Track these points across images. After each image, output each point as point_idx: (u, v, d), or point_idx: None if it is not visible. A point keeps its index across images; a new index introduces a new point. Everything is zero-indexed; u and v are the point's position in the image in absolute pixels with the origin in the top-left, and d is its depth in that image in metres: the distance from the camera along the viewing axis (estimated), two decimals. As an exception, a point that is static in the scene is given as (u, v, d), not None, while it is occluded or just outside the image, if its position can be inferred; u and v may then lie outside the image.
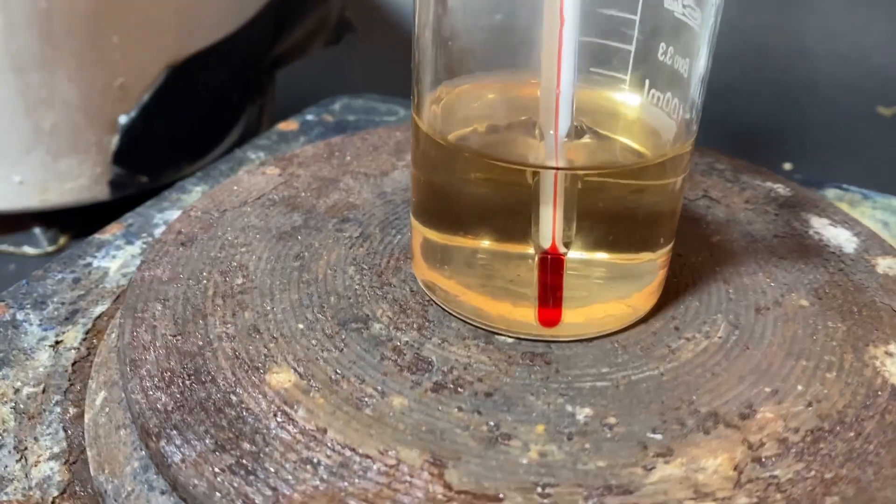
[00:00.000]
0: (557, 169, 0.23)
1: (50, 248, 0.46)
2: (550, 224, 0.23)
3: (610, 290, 0.25)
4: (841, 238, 0.30)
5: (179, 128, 0.47)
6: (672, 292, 0.26)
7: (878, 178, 0.57)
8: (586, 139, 0.25)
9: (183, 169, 0.49)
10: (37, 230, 0.46)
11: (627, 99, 0.26)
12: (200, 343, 0.24)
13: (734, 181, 0.33)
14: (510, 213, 0.24)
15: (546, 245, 0.23)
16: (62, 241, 0.47)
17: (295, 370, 0.23)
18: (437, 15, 0.24)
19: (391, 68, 0.57)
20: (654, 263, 0.25)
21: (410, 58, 0.25)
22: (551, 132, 0.24)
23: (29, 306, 0.29)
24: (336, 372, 0.23)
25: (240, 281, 0.26)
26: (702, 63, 0.24)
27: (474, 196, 0.24)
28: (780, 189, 0.33)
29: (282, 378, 0.23)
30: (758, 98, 0.64)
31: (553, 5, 0.22)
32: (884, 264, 0.28)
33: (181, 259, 0.27)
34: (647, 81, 0.25)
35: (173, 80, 0.44)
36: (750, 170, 0.34)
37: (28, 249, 0.46)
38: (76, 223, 0.47)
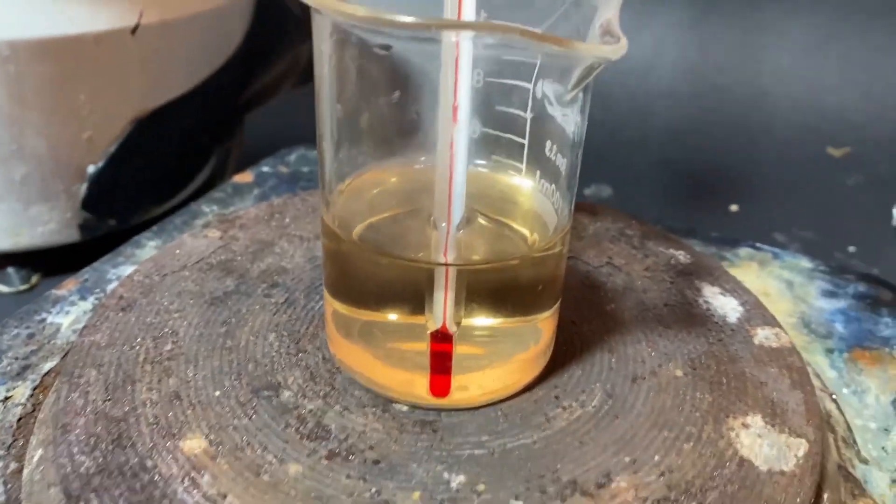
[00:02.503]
0: (447, 265, 0.25)
1: (23, 287, 0.49)
2: (442, 307, 0.26)
3: (497, 358, 0.28)
4: (727, 307, 0.32)
5: (147, 174, 0.50)
6: (559, 361, 0.29)
7: (821, 218, 0.59)
8: (480, 224, 0.28)
9: (151, 210, 0.51)
10: (10, 270, 0.49)
11: (522, 184, 0.29)
12: (126, 409, 0.27)
13: (640, 248, 0.36)
14: (407, 295, 0.27)
15: (438, 325, 0.26)
16: (34, 279, 0.49)
17: (206, 437, 0.26)
18: (336, 119, 0.27)
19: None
20: (538, 328, 0.28)
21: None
22: (444, 224, 0.26)
23: (-15, 361, 0.32)
24: (243, 439, 0.26)
25: (169, 347, 0.29)
26: (574, 163, 0.27)
27: (374, 280, 0.27)
28: (681, 256, 0.35)
29: (194, 444, 0.25)
30: (711, 139, 0.67)
31: (447, 109, 0.25)
32: (761, 335, 0.31)
33: (119, 324, 0.30)
34: (537, 172, 0.28)
35: (140, 131, 0.47)
36: (658, 236, 0.37)
37: (2, 288, 0.49)
38: (48, 262, 0.50)
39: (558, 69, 0.25)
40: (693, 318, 0.31)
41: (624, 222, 0.38)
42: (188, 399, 0.27)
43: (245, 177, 0.45)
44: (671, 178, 0.62)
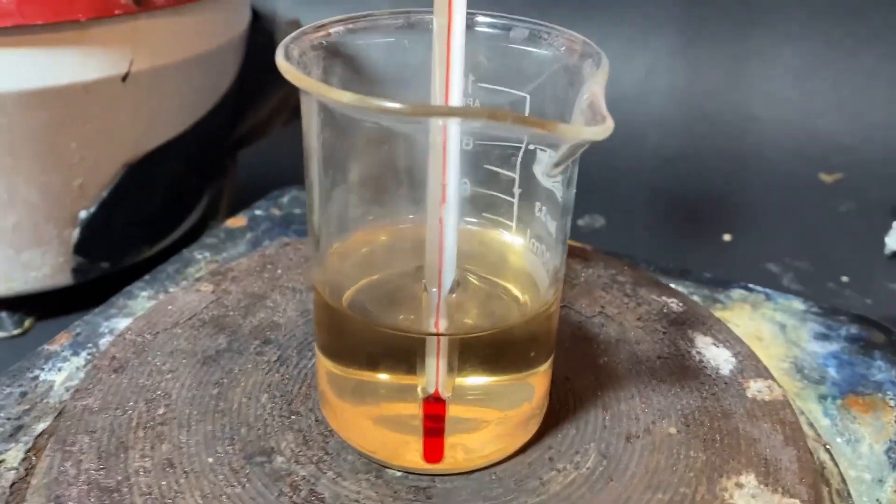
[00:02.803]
0: (438, 335, 0.25)
1: (16, 332, 0.49)
2: (434, 374, 0.26)
3: (491, 416, 0.27)
4: (720, 359, 0.32)
5: (139, 216, 0.50)
6: (553, 419, 0.29)
7: (814, 247, 0.59)
8: (472, 286, 0.28)
9: (143, 252, 0.51)
10: (3, 314, 0.49)
11: (513, 242, 0.29)
12: (119, 478, 0.26)
13: (632, 296, 0.36)
14: (399, 360, 0.27)
15: (431, 391, 0.26)
16: (28, 323, 0.49)
17: (200, 507, 0.25)
18: (324, 188, 0.27)
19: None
20: (531, 386, 0.28)
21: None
22: (434, 290, 0.26)
23: (-23, 422, 0.32)
24: (236, 509, 0.25)
25: (161, 411, 0.29)
26: (564, 227, 0.27)
27: (366, 346, 0.27)
28: (674, 305, 0.35)
29: (187, 515, 0.25)
30: (703, 167, 0.67)
31: (436, 177, 0.25)
32: (754, 388, 0.31)
33: (112, 387, 0.30)
34: (528, 231, 0.28)
35: (131, 175, 0.47)
36: (650, 283, 0.37)
37: (-5, 333, 0.48)
38: (42, 306, 0.50)
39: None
40: (686, 370, 0.32)
41: (616, 268, 0.38)
42: (181, 466, 0.27)
43: (238, 221, 0.45)
44: (664, 207, 0.62)
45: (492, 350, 0.27)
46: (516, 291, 0.28)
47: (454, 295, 0.27)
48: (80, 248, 0.47)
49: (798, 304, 0.40)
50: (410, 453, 0.27)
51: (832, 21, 0.68)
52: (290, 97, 0.60)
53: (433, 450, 0.27)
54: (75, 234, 0.46)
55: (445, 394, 0.26)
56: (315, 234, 0.27)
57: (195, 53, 0.47)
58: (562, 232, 0.27)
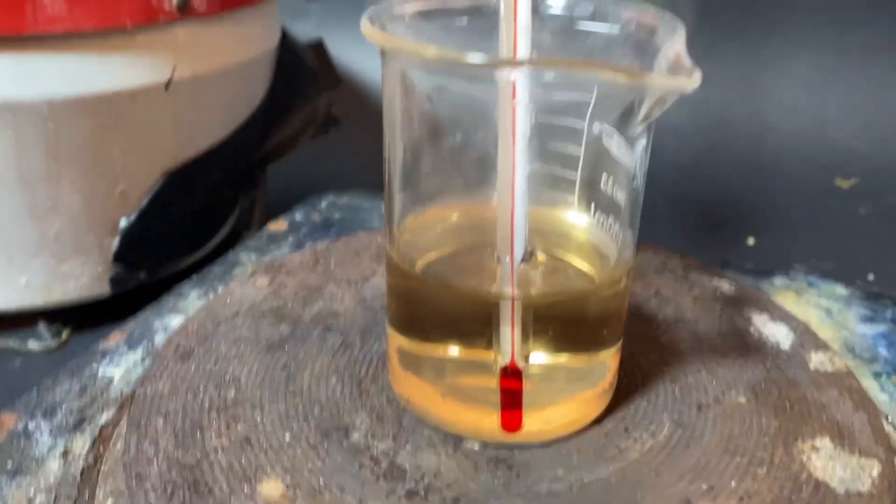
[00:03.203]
0: (513, 299, 0.26)
1: (53, 344, 0.48)
2: (509, 343, 0.26)
3: (566, 392, 0.28)
4: (779, 334, 0.33)
5: (176, 226, 0.50)
6: (623, 393, 0.29)
7: (837, 248, 0.60)
8: (540, 261, 0.28)
9: (179, 263, 0.52)
10: (41, 326, 0.49)
11: (577, 220, 0.29)
12: (199, 455, 0.26)
13: (684, 279, 0.36)
14: (474, 329, 0.27)
15: (506, 361, 0.26)
16: (65, 335, 0.49)
17: (283, 480, 0.25)
18: (403, 159, 0.27)
19: (373, 159, 0.61)
20: (604, 364, 0.28)
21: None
22: (507, 259, 0.27)
23: (40, 415, 0.32)
24: (320, 481, 0.25)
25: (232, 394, 0.29)
26: (635, 196, 0.27)
27: (441, 314, 0.27)
28: (725, 287, 0.36)
29: (271, 488, 0.25)
30: (721, 173, 0.68)
31: (506, 148, 0.26)
32: (816, 359, 0.31)
33: (180, 373, 0.30)
34: (592, 205, 0.29)
35: (170, 184, 0.47)
36: (699, 268, 0.37)
37: (33, 345, 0.48)
38: (79, 317, 0.50)
39: (616, 104, 0.26)
40: (747, 346, 0.32)
41: (664, 255, 0.38)
42: (259, 444, 0.27)
43: (279, 225, 0.46)
44: (686, 213, 0.63)
45: (565, 320, 0.27)
46: (585, 266, 0.29)
47: (526, 265, 0.27)
48: (120, 256, 0.47)
49: (841, 290, 0.40)
50: (488, 425, 0.27)
51: (841, 31, 0.70)
52: (317, 112, 0.61)
53: (512, 420, 0.27)
54: (115, 242, 0.47)
55: (521, 363, 0.26)
56: (391, 205, 0.28)
57: (233, 63, 0.48)
58: (633, 202, 0.27)
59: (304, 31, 0.66)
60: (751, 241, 0.60)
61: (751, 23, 0.70)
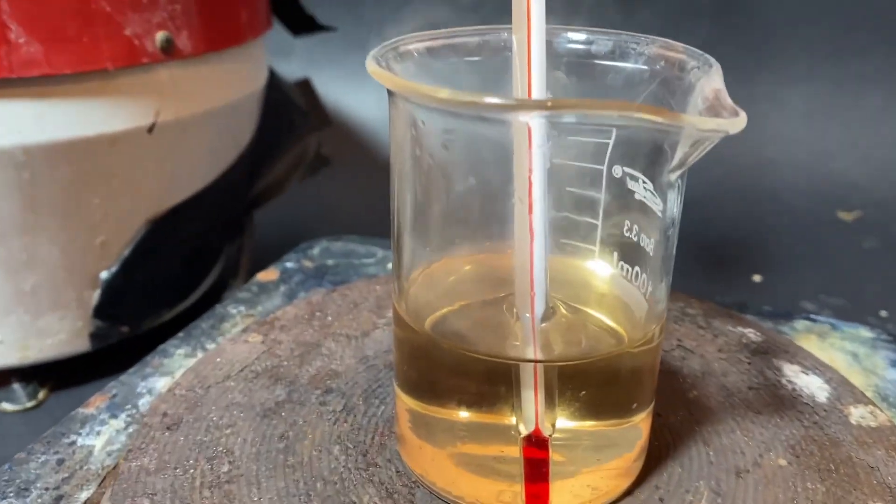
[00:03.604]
0: (536, 362, 0.23)
1: (29, 404, 0.45)
2: (532, 409, 0.24)
3: (596, 461, 0.25)
4: (813, 386, 0.31)
5: (159, 277, 0.47)
6: (654, 457, 0.27)
7: (845, 284, 0.58)
8: (562, 317, 0.26)
9: (162, 315, 0.49)
10: (15, 385, 0.46)
11: (598, 269, 0.27)
12: (189, 543, 0.24)
13: (706, 328, 0.34)
14: (492, 393, 0.25)
15: (530, 429, 0.24)
16: (42, 394, 0.46)
17: (285, 571, 0.23)
18: (415, 211, 0.25)
19: (366, 200, 0.59)
20: (636, 428, 0.26)
21: (388, 205, 0.26)
22: (527, 316, 0.24)
23: (12, 494, 0.29)
24: (326, 571, 0.23)
25: (226, 468, 0.27)
26: (665, 244, 0.25)
27: (455, 376, 0.25)
28: (752, 335, 0.34)
29: (272, 580, 0.23)
30: (723, 210, 0.66)
31: (522, 196, 0.24)
32: (856, 414, 0.29)
33: (167, 445, 0.28)
34: (615, 254, 0.26)
35: (153, 232, 0.45)
36: (720, 314, 0.35)
37: (6, 406, 0.45)
38: (57, 375, 0.47)
39: (643, 146, 0.24)
40: (781, 400, 0.30)
41: (683, 301, 0.36)
42: (257, 528, 0.24)
43: (270, 274, 0.43)
44: (688, 251, 0.61)
45: (594, 382, 0.25)
46: (611, 321, 0.26)
47: (546, 324, 0.25)
48: (100, 311, 0.45)
49: (866, 332, 0.38)
50: (511, 499, 0.25)
51: (837, 62, 0.69)
52: (306, 153, 0.59)
53: (538, 494, 0.24)
54: (95, 295, 0.44)
55: (546, 431, 0.24)
56: (400, 256, 0.25)
57: (219, 105, 0.46)
58: (664, 250, 0.25)
59: (291, 71, 0.65)
60: (757, 278, 0.59)
61: (746, 55, 0.69)
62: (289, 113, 0.56)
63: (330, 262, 0.45)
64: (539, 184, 0.23)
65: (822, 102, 0.70)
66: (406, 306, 0.25)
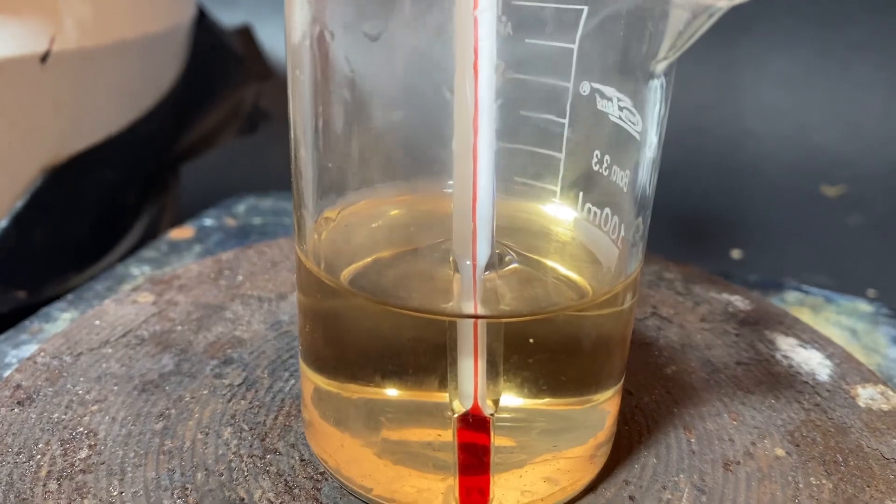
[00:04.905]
0: (476, 317, 0.18)
1: None
2: (471, 381, 0.19)
3: (550, 449, 0.20)
4: (813, 362, 0.26)
5: (63, 236, 0.41)
6: (624, 445, 0.22)
7: (829, 261, 0.54)
8: (511, 268, 0.20)
9: (70, 280, 0.43)
10: None
11: (560, 214, 0.22)
12: (17, 551, 0.18)
13: (686, 294, 0.29)
14: (421, 362, 0.19)
15: (467, 406, 0.19)
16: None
17: (138, 589, 0.17)
18: (318, 120, 0.19)
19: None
20: (601, 409, 0.20)
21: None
22: (468, 263, 0.19)
23: None
24: (193, 590, 0.17)
25: (84, 454, 0.21)
26: (645, 176, 0.20)
27: (374, 342, 0.20)
28: (739, 302, 0.29)
29: None
30: (700, 182, 0.62)
31: (465, 114, 0.18)
32: (865, 395, 0.24)
33: (14, 425, 0.22)
34: (580, 195, 0.21)
35: (52, 183, 0.39)
36: (702, 279, 0.30)
37: None
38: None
39: (614, 52, 0.19)
40: (776, 378, 0.25)
41: (659, 264, 0.31)
42: (110, 531, 0.19)
43: (184, 232, 0.37)
44: (665, 225, 0.56)
45: (548, 349, 0.19)
46: (572, 273, 0.21)
47: (492, 275, 0.19)
48: (-11, 272, 0.38)
49: (864, 306, 0.34)
50: (441, 497, 0.19)
51: (822, 29, 0.65)
52: (242, 106, 0.53)
53: (474, 490, 0.19)
54: (-18, 254, 0.38)
55: (488, 410, 0.19)
56: (303, 194, 0.20)
57: (130, 36, 0.40)
58: (641, 182, 0.20)
59: (234, 18, 0.58)
60: (736, 253, 0.54)
61: (726, 18, 0.64)
62: (222, 59, 0.50)
63: (256, 220, 0.39)
64: (486, 78, 0.17)
65: (806, 71, 0.65)
66: (315, 256, 0.20)
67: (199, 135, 0.50)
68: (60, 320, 0.31)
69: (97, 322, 0.26)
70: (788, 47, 0.66)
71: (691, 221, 0.57)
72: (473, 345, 0.18)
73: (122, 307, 0.27)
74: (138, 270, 0.34)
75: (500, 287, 0.19)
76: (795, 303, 0.34)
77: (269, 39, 0.58)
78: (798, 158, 0.63)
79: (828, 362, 0.26)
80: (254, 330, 0.26)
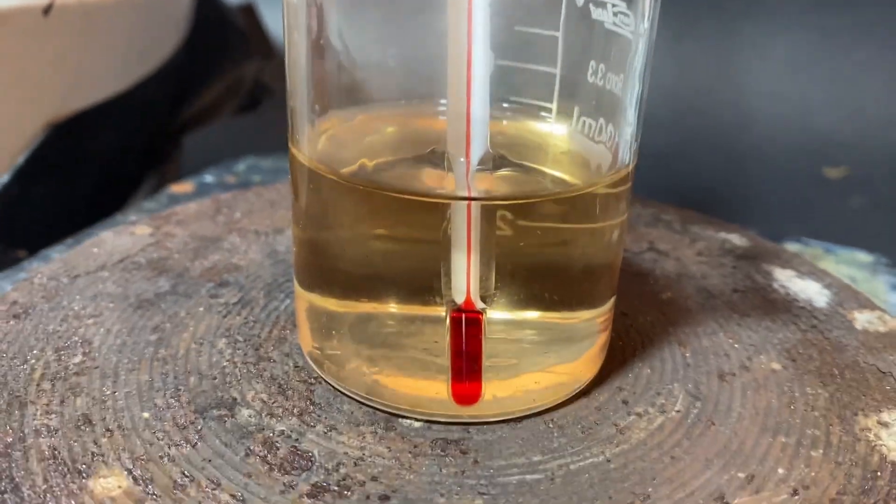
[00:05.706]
0: (470, 199, 0.18)
1: None
2: (464, 272, 0.19)
3: (542, 356, 0.20)
4: (810, 291, 0.25)
5: (63, 195, 0.42)
6: (618, 358, 0.22)
7: (831, 241, 0.54)
8: (506, 171, 0.20)
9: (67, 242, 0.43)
10: None
11: (554, 130, 0.22)
12: (10, 440, 0.18)
13: (683, 232, 0.29)
14: (415, 264, 0.19)
15: (460, 300, 0.19)
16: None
17: (129, 472, 0.17)
18: (314, 26, 0.20)
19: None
20: (593, 323, 0.20)
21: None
22: (462, 160, 0.19)
23: None
24: (184, 474, 0.17)
25: (78, 359, 0.21)
26: (637, 78, 0.20)
27: (370, 244, 0.20)
28: (736, 239, 0.29)
29: (110, 483, 0.17)
30: (700, 164, 0.62)
31: (459, 22, 0.18)
32: (862, 319, 0.24)
33: (8, 335, 0.22)
34: (576, 109, 0.21)
35: (54, 139, 0.39)
36: (699, 220, 0.30)
37: None
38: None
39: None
40: (773, 303, 0.25)
41: (656, 207, 0.31)
42: (102, 423, 0.19)
43: (184, 186, 0.37)
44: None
45: (542, 247, 0.19)
46: (565, 176, 0.21)
47: (486, 167, 0.19)
48: (-11, 228, 0.38)
49: (863, 256, 0.34)
50: (433, 395, 0.19)
51: (824, 11, 0.65)
52: (243, 81, 0.53)
53: (466, 388, 0.19)
54: (-18, 209, 0.38)
55: (479, 303, 0.19)
56: (297, 99, 0.20)
57: (134, -4, 0.40)
58: (635, 83, 0.20)
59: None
60: (736, 231, 0.54)
61: (727, 3, 0.65)
62: (224, 34, 0.51)
63: (256, 177, 0.40)
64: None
65: (808, 53, 0.65)
66: (309, 154, 0.20)
67: (201, 107, 0.50)
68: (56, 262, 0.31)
69: (95, 250, 0.26)
70: (790, 30, 0.66)
71: (693, 204, 0.57)
72: (466, 232, 0.18)
73: (119, 237, 0.27)
74: (137, 218, 0.34)
75: (493, 181, 0.19)
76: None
77: (273, 21, 0.58)
78: (800, 140, 0.63)
79: (826, 291, 0.25)
80: (250, 258, 0.26)
